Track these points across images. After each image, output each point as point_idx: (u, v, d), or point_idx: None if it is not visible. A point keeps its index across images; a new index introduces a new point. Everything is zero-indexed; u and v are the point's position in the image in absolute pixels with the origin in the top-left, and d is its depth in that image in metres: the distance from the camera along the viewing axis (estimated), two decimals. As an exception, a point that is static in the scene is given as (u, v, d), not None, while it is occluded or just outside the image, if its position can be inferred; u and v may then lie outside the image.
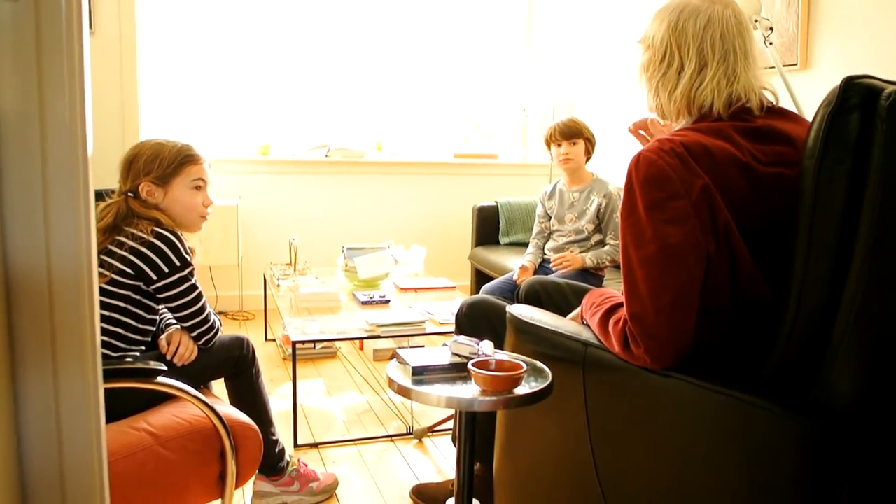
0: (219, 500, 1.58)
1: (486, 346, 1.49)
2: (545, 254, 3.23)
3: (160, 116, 4.14)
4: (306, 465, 2.09)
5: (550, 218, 3.24)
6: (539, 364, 1.46)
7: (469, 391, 1.33)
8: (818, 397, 1.17)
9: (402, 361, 1.44)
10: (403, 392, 1.35)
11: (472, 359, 1.40)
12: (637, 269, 1.27)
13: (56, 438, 0.58)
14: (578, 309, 1.64)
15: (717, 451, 1.23)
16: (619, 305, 1.38)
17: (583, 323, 1.56)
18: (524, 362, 1.40)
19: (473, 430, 1.44)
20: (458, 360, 1.42)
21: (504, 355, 1.49)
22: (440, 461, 2.37)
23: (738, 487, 1.22)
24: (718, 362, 1.30)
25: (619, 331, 1.31)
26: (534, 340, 1.55)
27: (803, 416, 1.15)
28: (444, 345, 1.53)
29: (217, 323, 1.85)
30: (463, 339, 1.47)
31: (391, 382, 1.38)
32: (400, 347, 3.47)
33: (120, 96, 3.87)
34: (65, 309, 0.55)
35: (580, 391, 1.44)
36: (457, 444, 1.46)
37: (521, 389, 1.34)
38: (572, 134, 3.01)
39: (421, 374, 1.37)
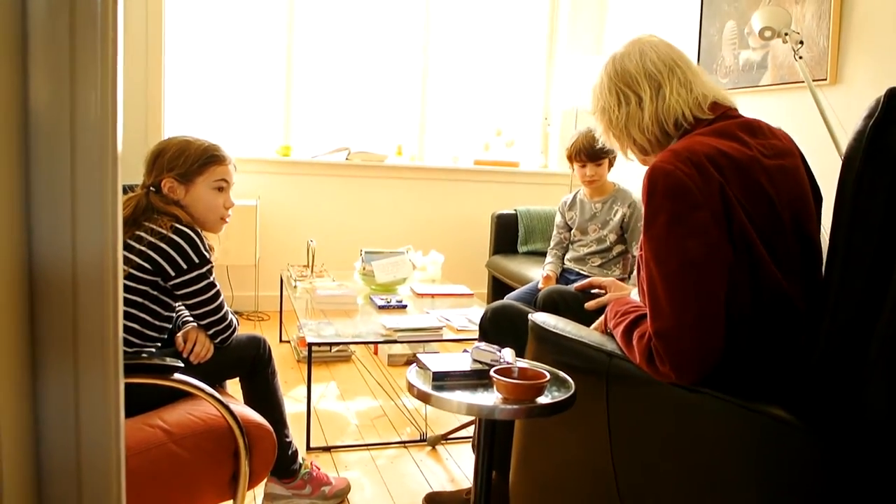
0: (230, 501, 1.56)
1: (508, 354, 1.46)
2: (565, 264, 3.20)
3: (183, 114, 4.16)
4: (319, 469, 2.06)
5: (570, 229, 3.20)
6: (562, 374, 1.43)
7: (490, 399, 1.30)
8: (851, 415, 1.14)
9: (422, 366, 1.41)
10: (423, 397, 1.32)
11: (493, 366, 1.37)
12: (659, 285, 1.24)
13: (74, 436, 0.57)
14: (601, 318, 1.61)
15: (744, 468, 1.20)
16: (644, 317, 1.35)
17: (606, 332, 1.53)
18: (547, 371, 1.37)
19: (493, 439, 1.41)
20: (479, 366, 1.40)
21: (525, 363, 1.46)
22: (454, 469, 2.34)
23: (768, 508, 1.18)
24: (744, 373, 1.27)
25: (643, 346, 1.28)
26: (556, 349, 1.52)
27: (836, 434, 1.11)
28: (465, 351, 1.50)
29: (234, 322, 1.83)
30: (484, 345, 1.44)
31: (411, 387, 1.35)
32: (415, 353, 3.45)
33: (144, 93, 3.89)
34: (88, 306, 0.54)
35: (603, 403, 1.41)
36: (475, 452, 1.43)
37: (543, 399, 1.31)
38: (598, 156, 2.95)
39: (442, 379, 1.34)
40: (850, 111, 2.87)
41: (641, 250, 1.32)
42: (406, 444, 2.51)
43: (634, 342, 1.31)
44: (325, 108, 4.51)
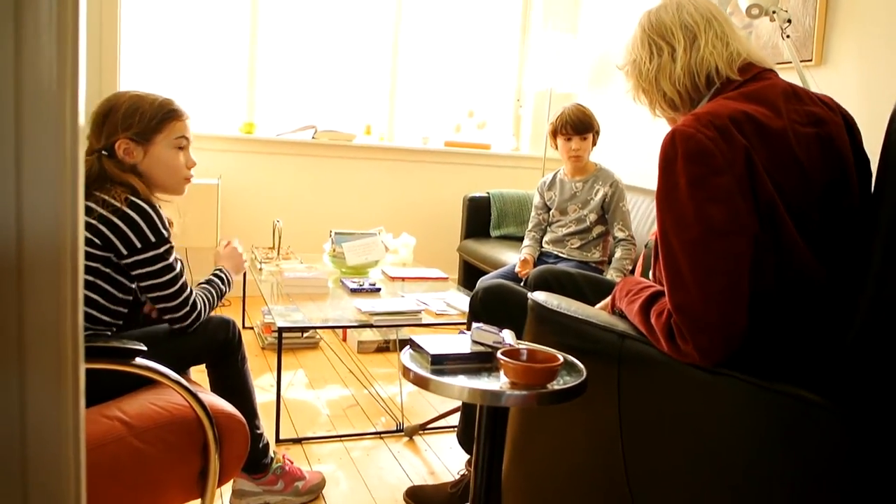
0: (198, 500, 1.40)
1: (508, 336, 1.34)
2: (543, 246, 3.09)
3: (141, 86, 3.91)
4: (292, 463, 1.91)
5: (549, 210, 3.10)
6: (570, 357, 1.31)
7: (495, 384, 1.17)
8: (890, 399, 1.04)
9: (417, 349, 1.27)
10: (421, 382, 1.18)
11: (496, 348, 1.24)
12: (680, 254, 1.14)
13: (19, 448, 0.45)
14: (607, 299, 1.50)
15: (769, 454, 1.10)
16: (661, 294, 1.25)
17: (613, 313, 1.42)
18: (559, 355, 1.25)
19: (495, 428, 1.28)
20: (480, 349, 1.26)
21: (525, 346, 1.34)
22: (433, 461, 2.21)
23: (795, 498, 1.08)
24: (767, 353, 1.17)
25: (663, 324, 1.17)
26: (559, 331, 1.40)
27: (871, 418, 1.01)
28: (462, 333, 1.37)
29: (199, 307, 1.63)
30: (486, 326, 1.31)
31: (406, 371, 1.21)
32: (386, 339, 3.31)
33: (98, 66, 3.63)
34: (38, 290, 0.44)
35: (613, 387, 1.29)
36: (475, 444, 1.30)
37: (554, 384, 1.18)
38: (584, 129, 2.87)
39: (441, 363, 1.21)
40: (836, 92, 2.80)
41: (657, 224, 1.21)
42: (382, 435, 2.37)
43: (653, 320, 1.19)
44: (290, 84, 4.30)
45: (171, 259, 1.57)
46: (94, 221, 1.48)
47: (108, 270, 1.53)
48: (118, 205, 1.50)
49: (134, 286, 1.62)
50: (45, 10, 0.41)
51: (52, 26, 0.41)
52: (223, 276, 1.81)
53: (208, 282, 1.77)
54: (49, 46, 0.41)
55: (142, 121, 1.58)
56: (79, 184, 0.44)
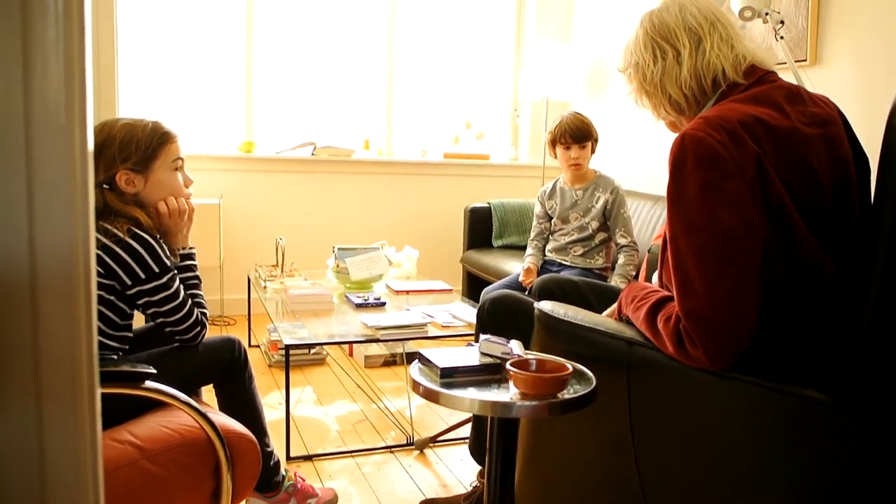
0: (212, 521, 1.40)
1: (516, 346, 1.34)
2: (546, 255, 3.10)
3: (138, 109, 3.93)
4: (304, 480, 1.91)
5: (551, 218, 3.10)
6: (578, 366, 1.31)
7: (506, 395, 1.17)
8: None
9: (426, 363, 1.27)
10: (430, 396, 1.19)
11: (505, 359, 1.25)
12: (689, 259, 1.14)
13: (39, 478, 0.45)
14: (613, 306, 1.50)
15: (783, 457, 1.10)
16: (667, 300, 1.25)
17: (620, 320, 1.42)
18: (568, 364, 1.25)
19: (507, 439, 1.28)
20: (489, 360, 1.27)
21: (534, 356, 1.34)
22: (445, 474, 2.20)
23: (806, 498, 1.08)
24: (777, 355, 1.17)
25: (671, 329, 1.17)
26: (567, 339, 1.40)
27: (881, 417, 1.01)
28: (469, 345, 1.37)
29: (204, 321, 1.66)
30: (494, 338, 1.31)
31: (416, 385, 1.21)
32: (393, 353, 3.31)
33: (97, 88, 3.65)
34: (52, 317, 0.44)
35: (623, 395, 1.29)
36: (487, 455, 1.30)
37: (565, 394, 1.18)
38: (583, 137, 2.87)
39: (450, 375, 1.21)
40: (832, 91, 2.82)
41: (666, 229, 1.21)
42: (392, 449, 2.37)
43: (660, 326, 1.20)
44: (288, 102, 4.33)
45: (175, 287, 1.59)
46: (98, 251, 1.49)
47: (111, 298, 1.54)
48: (120, 235, 1.51)
49: (133, 312, 1.63)
50: (52, 38, 0.41)
51: (60, 53, 0.41)
52: (188, 264, 1.76)
53: (184, 285, 1.69)
54: (56, 73, 0.41)
55: (138, 150, 1.59)
56: (89, 210, 0.44)
